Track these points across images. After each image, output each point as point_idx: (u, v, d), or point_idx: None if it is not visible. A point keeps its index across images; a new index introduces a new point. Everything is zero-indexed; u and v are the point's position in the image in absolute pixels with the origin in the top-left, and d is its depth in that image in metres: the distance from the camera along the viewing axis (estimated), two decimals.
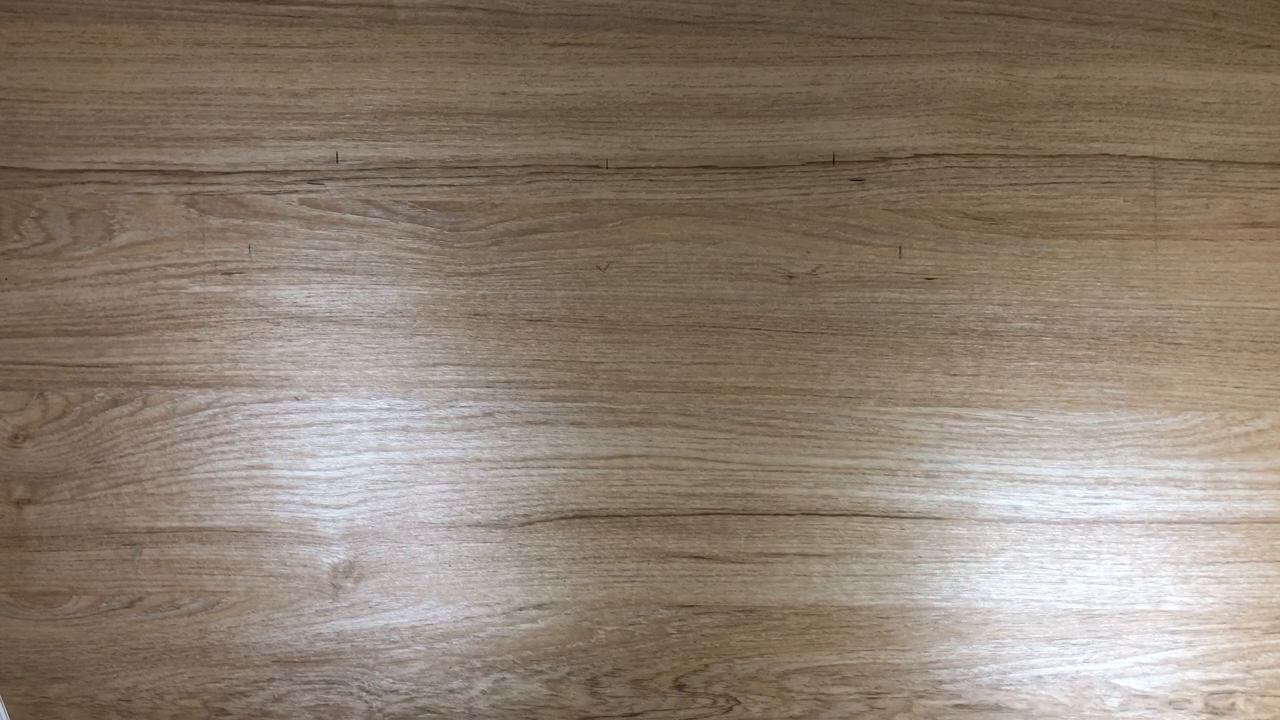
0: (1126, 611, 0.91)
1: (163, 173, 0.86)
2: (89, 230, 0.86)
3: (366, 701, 0.92)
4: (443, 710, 0.92)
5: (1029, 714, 0.93)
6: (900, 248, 0.88)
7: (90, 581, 0.90)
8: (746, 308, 0.88)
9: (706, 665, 0.92)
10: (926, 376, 0.89)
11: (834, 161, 0.87)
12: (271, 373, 0.87)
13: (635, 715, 0.93)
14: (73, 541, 0.89)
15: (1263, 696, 0.93)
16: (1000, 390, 0.89)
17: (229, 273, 0.86)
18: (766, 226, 0.87)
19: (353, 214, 0.86)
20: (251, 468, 0.88)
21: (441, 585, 0.90)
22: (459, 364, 0.88)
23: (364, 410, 0.88)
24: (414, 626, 0.91)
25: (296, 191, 0.86)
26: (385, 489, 0.89)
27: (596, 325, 0.88)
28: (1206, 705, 0.93)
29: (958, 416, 0.89)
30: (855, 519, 0.90)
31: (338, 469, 0.89)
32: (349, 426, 0.88)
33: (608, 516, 0.90)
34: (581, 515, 0.90)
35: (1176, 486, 0.90)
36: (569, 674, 0.92)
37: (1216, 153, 0.88)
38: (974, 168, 0.87)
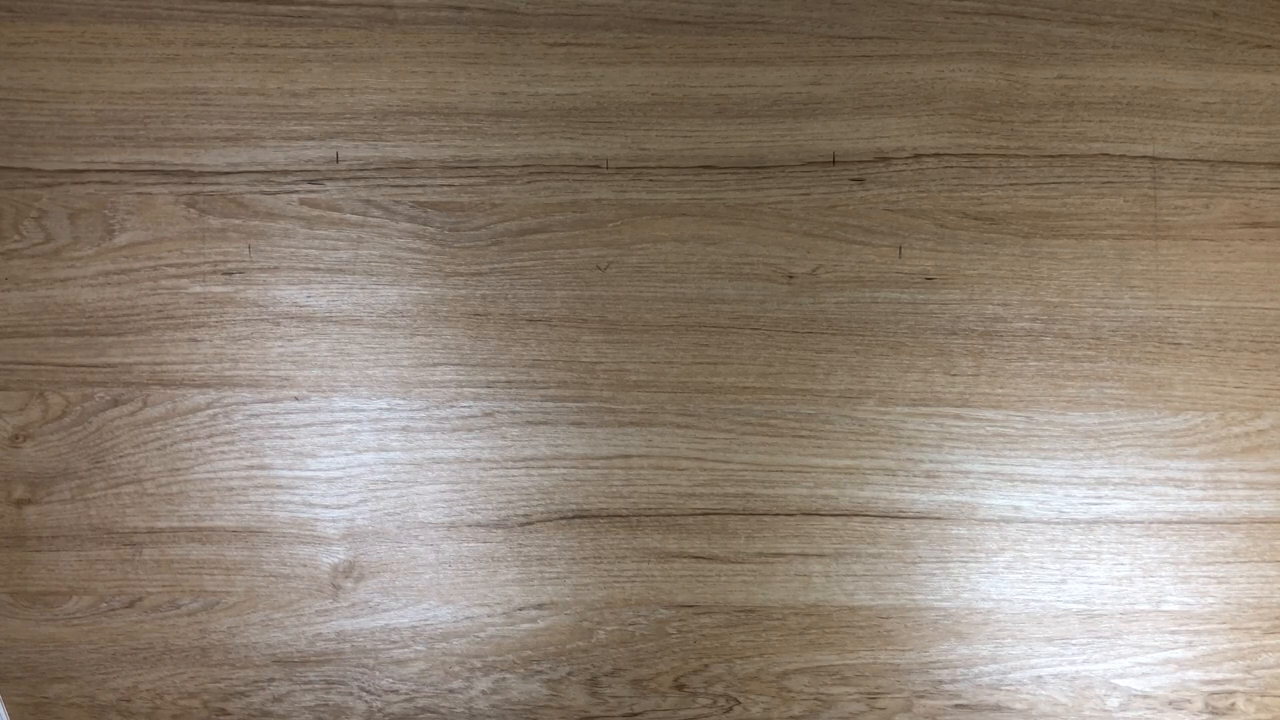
0: (1126, 611, 0.91)
1: (163, 173, 0.86)
2: (89, 230, 0.86)
3: (366, 701, 0.92)
4: (443, 710, 0.92)
5: (1029, 714, 0.93)
6: (900, 248, 0.88)
7: (90, 581, 0.90)
8: (746, 308, 0.88)
9: (706, 665, 0.92)
10: (926, 376, 0.89)
11: (834, 161, 0.87)
12: (271, 373, 0.87)
13: (635, 715, 0.93)
14: (73, 541, 0.89)
15: (1263, 696, 0.93)
16: (1000, 390, 0.89)
17: (229, 273, 0.86)
18: (766, 226, 0.87)
19: (353, 214, 0.86)
20: (251, 468, 0.88)
21: (441, 585, 0.90)
22: (459, 364, 0.88)
23: (364, 410, 0.88)
24: (414, 626, 0.91)
25: (296, 191, 0.86)
26: (385, 489, 0.89)
27: (596, 325, 0.88)
28: (1206, 705, 0.93)
29: (958, 416, 0.89)
30: (855, 519, 0.90)
31: (338, 469, 0.89)
32: (349, 426, 0.88)
33: (608, 516, 0.90)
34: (581, 515, 0.90)
35: (1176, 486, 0.90)
36: (569, 674, 0.92)
37: (1216, 153, 0.88)
38: (974, 168, 0.87)
